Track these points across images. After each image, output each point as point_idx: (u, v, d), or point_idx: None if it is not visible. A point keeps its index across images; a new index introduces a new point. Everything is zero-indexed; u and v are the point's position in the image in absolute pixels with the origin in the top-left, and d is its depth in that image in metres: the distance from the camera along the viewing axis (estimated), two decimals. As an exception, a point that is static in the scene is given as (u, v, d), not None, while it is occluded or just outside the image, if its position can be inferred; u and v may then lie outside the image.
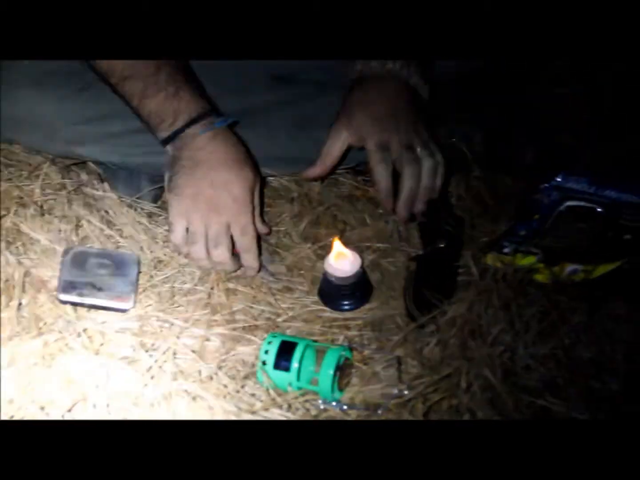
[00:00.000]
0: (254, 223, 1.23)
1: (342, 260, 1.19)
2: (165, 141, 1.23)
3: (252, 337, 1.14)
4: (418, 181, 1.26)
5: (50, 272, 1.19)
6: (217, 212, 1.21)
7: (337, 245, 1.19)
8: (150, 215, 1.35)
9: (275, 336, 1.07)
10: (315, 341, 1.11)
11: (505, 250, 1.23)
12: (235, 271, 1.26)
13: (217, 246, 1.21)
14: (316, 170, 1.32)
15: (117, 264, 1.20)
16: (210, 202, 1.21)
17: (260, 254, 1.25)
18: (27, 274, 1.18)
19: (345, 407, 1.03)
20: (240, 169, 1.23)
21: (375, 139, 1.27)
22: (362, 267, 1.19)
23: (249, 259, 1.24)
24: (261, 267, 1.26)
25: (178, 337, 1.11)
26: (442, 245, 1.24)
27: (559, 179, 1.34)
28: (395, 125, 1.28)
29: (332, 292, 1.21)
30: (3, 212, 1.26)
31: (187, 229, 1.22)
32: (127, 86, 1.23)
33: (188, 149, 1.22)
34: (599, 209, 1.30)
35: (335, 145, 1.30)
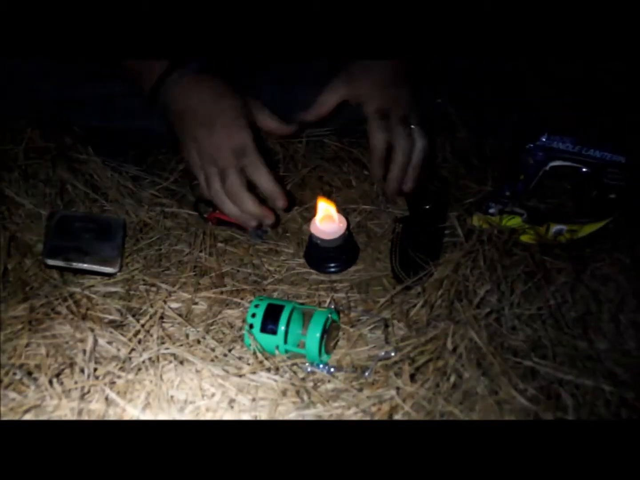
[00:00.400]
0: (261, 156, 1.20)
1: (327, 223, 1.18)
2: (152, 97, 1.23)
3: (239, 300, 1.14)
4: (409, 158, 1.25)
5: (36, 237, 1.19)
6: (223, 158, 1.19)
7: (323, 206, 1.19)
8: (135, 178, 1.34)
9: (262, 299, 1.07)
10: (302, 304, 1.11)
11: (491, 211, 1.23)
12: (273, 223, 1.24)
13: (238, 198, 1.19)
14: (308, 115, 1.31)
15: (103, 228, 1.20)
16: (213, 149, 1.19)
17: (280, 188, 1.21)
18: (12, 238, 1.18)
19: (332, 369, 1.03)
20: (231, 107, 1.21)
21: (376, 105, 1.26)
22: (348, 229, 1.19)
23: (269, 188, 1.19)
24: (250, 229, 1.25)
25: (165, 302, 1.12)
26: (427, 207, 1.24)
27: (543, 139, 1.34)
28: (396, 95, 1.28)
29: (318, 255, 1.21)
30: (-14, 177, 1.25)
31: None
32: None
33: (174, 100, 1.22)
34: (583, 169, 1.30)
35: (332, 96, 1.29)
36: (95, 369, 0.99)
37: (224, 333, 1.10)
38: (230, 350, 1.06)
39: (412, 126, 1.26)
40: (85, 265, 1.15)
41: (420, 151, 1.25)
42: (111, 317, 1.09)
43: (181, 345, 1.04)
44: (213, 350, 1.05)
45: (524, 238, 1.18)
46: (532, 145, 1.33)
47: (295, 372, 1.02)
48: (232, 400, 0.97)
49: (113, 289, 1.14)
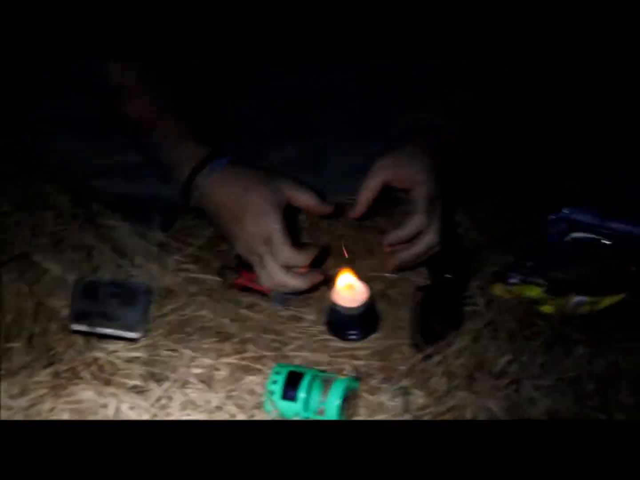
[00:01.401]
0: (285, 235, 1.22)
1: (350, 291, 1.20)
2: (184, 194, 1.27)
3: (261, 367, 1.15)
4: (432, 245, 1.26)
5: (62, 302, 1.21)
6: (257, 247, 1.22)
7: (346, 275, 1.20)
8: (161, 245, 1.36)
9: (282, 366, 1.08)
10: (323, 371, 1.12)
11: (512, 281, 1.24)
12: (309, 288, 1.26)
13: (280, 281, 1.23)
14: (358, 208, 1.27)
15: (128, 294, 1.22)
16: (249, 240, 1.23)
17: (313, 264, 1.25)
18: (39, 303, 1.19)
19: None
20: (259, 196, 1.23)
21: (426, 191, 1.23)
22: (370, 297, 1.20)
23: (297, 263, 1.23)
24: (272, 295, 1.27)
25: (188, 367, 1.13)
26: (448, 276, 1.25)
27: (565, 211, 1.35)
28: (442, 182, 1.26)
29: (339, 322, 1.22)
30: (16, 241, 1.27)
31: None
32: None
33: (205, 197, 1.26)
34: (604, 241, 1.31)
35: (378, 179, 1.25)
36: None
37: (245, 399, 1.10)
38: (251, 417, 1.06)
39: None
40: (109, 331, 1.16)
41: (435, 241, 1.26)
42: (133, 383, 1.10)
43: (203, 411, 1.05)
44: (234, 416, 1.05)
45: (545, 309, 1.19)
46: (554, 216, 1.34)
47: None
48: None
49: (136, 354, 1.15)
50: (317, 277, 1.24)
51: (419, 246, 1.24)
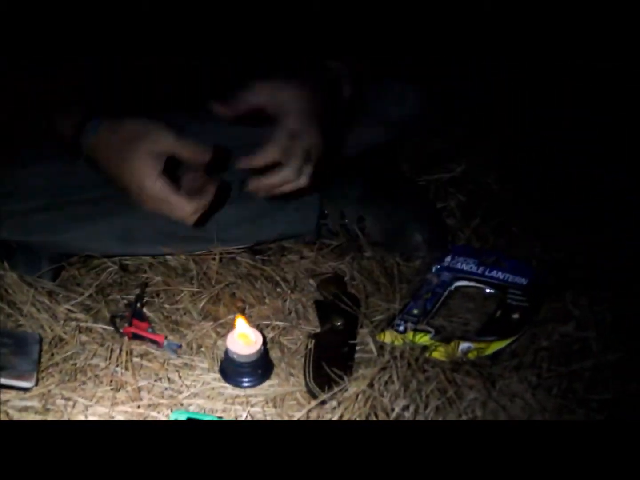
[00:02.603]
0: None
1: (244, 339, 1.21)
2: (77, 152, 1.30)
3: (156, 415, 1.15)
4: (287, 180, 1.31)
5: (-50, 352, 1.19)
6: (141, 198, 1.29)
7: (240, 323, 1.21)
8: (50, 293, 1.35)
9: (180, 413, 1.09)
10: (220, 417, 1.13)
11: (400, 328, 1.27)
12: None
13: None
14: (223, 109, 1.30)
15: (19, 343, 1.20)
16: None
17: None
18: None
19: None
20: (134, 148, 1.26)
21: (290, 124, 1.28)
22: (264, 345, 1.22)
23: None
24: (164, 343, 1.27)
25: (85, 416, 1.12)
26: (338, 324, 1.28)
27: (448, 260, 1.40)
28: (312, 129, 1.31)
29: (233, 370, 1.23)
30: None
31: None
32: None
33: (93, 150, 1.30)
34: (487, 290, 1.37)
35: (253, 96, 1.29)
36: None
37: (143, 448, 1.10)
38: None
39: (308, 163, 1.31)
40: (1, 380, 1.14)
41: (295, 185, 1.31)
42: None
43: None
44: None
45: (435, 355, 1.22)
46: (438, 265, 1.39)
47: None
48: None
49: (29, 404, 1.14)
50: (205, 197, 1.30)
51: (273, 177, 1.30)
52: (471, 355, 1.23)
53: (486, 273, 1.38)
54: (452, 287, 1.38)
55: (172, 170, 1.29)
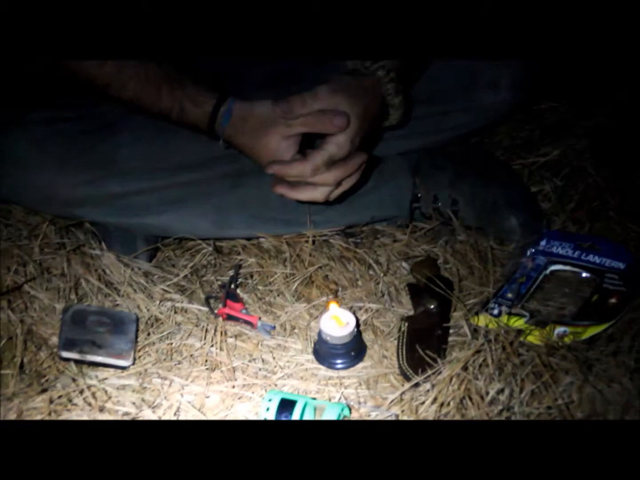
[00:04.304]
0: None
1: (337, 321, 1.21)
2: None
3: (251, 394, 1.16)
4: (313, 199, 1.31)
5: (51, 330, 1.22)
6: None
7: (333, 307, 1.22)
8: (146, 274, 1.37)
9: (274, 393, 1.10)
10: (313, 398, 1.13)
11: (494, 312, 1.26)
12: None
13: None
14: (284, 105, 1.26)
15: (116, 322, 1.22)
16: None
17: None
18: (28, 331, 1.20)
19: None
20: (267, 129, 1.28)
21: (331, 152, 1.25)
22: (357, 327, 1.22)
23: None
24: (258, 324, 1.28)
25: (181, 395, 1.14)
26: (432, 307, 1.28)
27: (542, 243, 1.38)
28: (365, 134, 1.30)
29: (327, 351, 1.23)
30: (3, 271, 1.28)
31: None
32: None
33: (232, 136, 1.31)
34: (583, 274, 1.35)
35: (315, 100, 1.25)
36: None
37: (237, 426, 1.11)
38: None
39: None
40: (99, 358, 1.17)
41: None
42: (126, 410, 1.11)
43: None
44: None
45: (530, 339, 1.21)
46: (532, 249, 1.37)
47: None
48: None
49: (127, 382, 1.16)
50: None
51: (298, 194, 1.29)
52: (567, 340, 1.21)
53: (582, 257, 1.35)
54: (547, 271, 1.36)
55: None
